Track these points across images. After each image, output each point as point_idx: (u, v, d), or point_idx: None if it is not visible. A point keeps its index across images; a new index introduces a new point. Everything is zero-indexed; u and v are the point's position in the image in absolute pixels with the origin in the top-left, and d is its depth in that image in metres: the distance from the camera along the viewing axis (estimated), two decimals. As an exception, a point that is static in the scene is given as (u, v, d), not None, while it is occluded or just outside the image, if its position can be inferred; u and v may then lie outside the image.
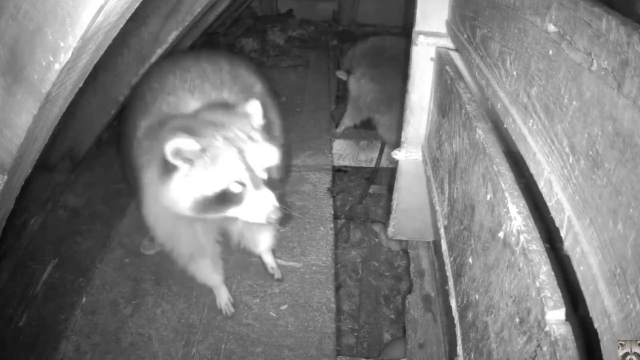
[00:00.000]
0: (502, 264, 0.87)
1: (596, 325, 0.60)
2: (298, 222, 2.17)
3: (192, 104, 1.45)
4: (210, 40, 4.37)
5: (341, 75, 3.03)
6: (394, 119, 2.71)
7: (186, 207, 1.28)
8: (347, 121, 3.07)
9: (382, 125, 2.90)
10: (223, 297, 1.80)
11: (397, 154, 1.85)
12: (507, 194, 0.88)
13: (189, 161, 1.23)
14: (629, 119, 0.55)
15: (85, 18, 0.75)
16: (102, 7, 0.74)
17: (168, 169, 1.26)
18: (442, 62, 1.51)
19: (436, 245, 2.08)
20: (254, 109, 1.37)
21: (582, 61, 0.66)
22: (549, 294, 0.69)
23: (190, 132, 1.24)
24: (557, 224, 0.73)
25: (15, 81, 0.83)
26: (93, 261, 2.02)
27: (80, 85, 0.95)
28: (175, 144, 1.21)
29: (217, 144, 1.25)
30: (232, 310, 1.79)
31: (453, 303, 1.19)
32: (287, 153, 1.61)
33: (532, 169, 0.83)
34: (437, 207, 1.47)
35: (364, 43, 3.01)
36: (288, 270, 1.95)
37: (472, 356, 1.00)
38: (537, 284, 0.71)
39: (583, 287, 0.65)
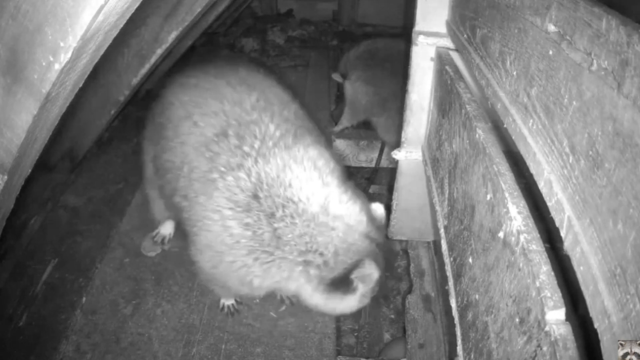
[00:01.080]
0: (502, 264, 0.87)
1: (596, 325, 0.60)
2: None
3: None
4: (210, 40, 4.38)
5: (337, 77, 3.05)
6: (390, 119, 2.72)
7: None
8: (345, 122, 3.09)
9: (380, 126, 2.92)
10: (230, 299, 1.79)
11: (397, 154, 1.85)
12: (507, 194, 0.88)
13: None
14: (629, 119, 0.55)
15: (86, 18, 0.75)
16: (102, 7, 0.74)
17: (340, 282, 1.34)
18: (442, 62, 1.51)
19: (436, 245, 2.08)
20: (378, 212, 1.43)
21: (582, 61, 0.66)
22: (549, 294, 0.69)
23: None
24: (557, 224, 0.73)
25: (15, 81, 0.83)
26: (93, 261, 2.01)
27: (80, 85, 0.95)
28: (365, 271, 1.31)
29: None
30: (237, 307, 1.79)
31: (453, 303, 1.19)
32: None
33: (532, 169, 0.83)
34: (437, 207, 1.47)
35: (357, 47, 3.05)
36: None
37: (472, 356, 1.00)
38: (537, 284, 0.71)
39: (583, 287, 0.65)
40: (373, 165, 3.16)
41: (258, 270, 1.36)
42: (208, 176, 1.37)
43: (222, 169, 1.35)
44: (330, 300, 1.38)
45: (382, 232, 1.45)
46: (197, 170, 1.41)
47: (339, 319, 2.18)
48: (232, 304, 1.78)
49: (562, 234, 0.71)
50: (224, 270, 1.40)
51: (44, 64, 0.80)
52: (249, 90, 1.55)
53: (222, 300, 1.79)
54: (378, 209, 1.45)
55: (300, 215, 1.31)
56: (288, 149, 1.39)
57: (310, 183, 1.34)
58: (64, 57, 0.78)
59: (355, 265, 1.31)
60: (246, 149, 1.37)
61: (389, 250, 1.51)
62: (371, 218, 1.41)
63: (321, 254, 1.31)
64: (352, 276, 1.32)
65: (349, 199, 1.37)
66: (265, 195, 1.32)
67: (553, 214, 0.74)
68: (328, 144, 1.59)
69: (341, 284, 1.33)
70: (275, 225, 1.31)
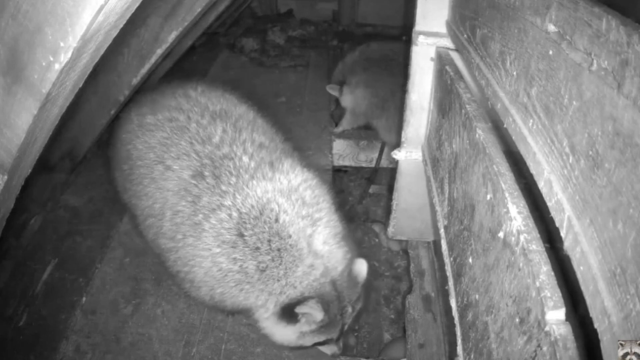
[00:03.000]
0: (502, 264, 0.87)
1: (596, 325, 0.60)
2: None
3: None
4: (210, 40, 4.37)
5: (333, 90, 3.02)
6: (390, 119, 2.72)
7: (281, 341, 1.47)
8: (346, 125, 3.10)
9: (381, 127, 2.92)
10: None
11: (397, 154, 1.85)
12: (507, 194, 0.88)
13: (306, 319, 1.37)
14: (629, 119, 0.55)
15: (86, 18, 0.75)
16: (102, 7, 0.74)
17: (286, 313, 1.36)
18: (442, 62, 1.51)
19: (436, 245, 2.08)
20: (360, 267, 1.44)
21: (582, 61, 0.66)
22: (549, 294, 0.69)
23: (320, 296, 1.33)
24: (557, 224, 0.73)
25: (15, 81, 0.83)
26: (93, 261, 2.01)
27: (80, 85, 0.95)
28: (309, 309, 1.31)
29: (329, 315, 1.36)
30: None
31: (453, 303, 1.19)
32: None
33: (532, 169, 0.83)
34: (437, 207, 1.47)
35: (352, 53, 3.07)
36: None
37: (472, 356, 1.00)
38: (537, 284, 0.71)
39: (583, 287, 0.65)
40: (373, 165, 3.16)
41: (242, 298, 1.40)
42: (193, 219, 1.40)
43: (205, 211, 1.38)
44: (275, 327, 1.42)
45: (357, 288, 1.45)
46: (181, 214, 1.43)
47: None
48: None
49: (562, 234, 0.71)
50: (219, 299, 1.44)
51: (44, 64, 0.80)
52: (214, 122, 1.54)
53: None
54: (362, 265, 1.46)
55: (286, 250, 1.34)
56: (269, 180, 1.41)
57: (298, 219, 1.37)
58: (64, 57, 0.78)
59: (303, 300, 1.33)
60: (223, 187, 1.39)
61: (360, 310, 1.55)
62: (350, 270, 1.43)
63: (294, 287, 1.35)
64: (297, 310, 1.34)
65: (336, 243, 1.41)
66: (250, 233, 1.35)
67: (553, 214, 0.74)
68: (308, 160, 1.60)
69: (288, 314, 1.37)
70: (260, 258, 1.34)
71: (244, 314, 1.62)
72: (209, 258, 1.37)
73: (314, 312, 1.33)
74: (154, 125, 1.59)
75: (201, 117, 1.56)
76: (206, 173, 1.42)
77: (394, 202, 1.96)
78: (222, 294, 1.41)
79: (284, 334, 1.43)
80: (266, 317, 1.40)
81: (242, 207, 1.36)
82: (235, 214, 1.36)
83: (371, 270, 2.69)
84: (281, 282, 1.35)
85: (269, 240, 1.34)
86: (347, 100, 2.97)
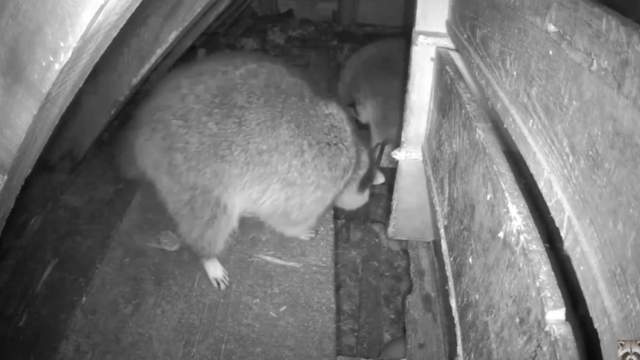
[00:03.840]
0: (502, 264, 0.87)
1: (596, 325, 0.60)
2: (298, 222, 2.16)
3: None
4: (210, 40, 4.38)
5: (354, 113, 2.96)
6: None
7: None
8: (376, 139, 3.01)
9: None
10: (218, 270, 1.87)
11: (397, 154, 1.85)
12: (507, 194, 0.88)
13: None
14: (629, 119, 0.55)
15: (85, 18, 0.75)
16: (102, 7, 0.74)
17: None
18: (442, 62, 1.51)
19: (436, 245, 2.08)
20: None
21: (582, 61, 0.66)
22: (549, 294, 0.69)
23: None
24: (557, 224, 0.73)
25: (15, 81, 0.83)
26: (93, 261, 2.02)
27: (80, 85, 0.95)
28: (375, 180, 2.08)
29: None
30: (228, 279, 1.88)
31: (453, 303, 1.19)
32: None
33: (532, 169, 0.83)
34: (437, 207, 1.47)
35: (350, 66, 3.03)
36: (288, 271, 1.95)
37: (472, 356, 1.00)
38: (537, 284, 0.71)
39: (583, 287, 0.65)
40: (373, 165, 3.15)
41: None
42: (305, 154, 1.68)
43: (310, 137, 1.69)
44: (359, 197, 2.02)
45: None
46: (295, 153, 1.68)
47: (339, 319, 2.18)
48: (223, 276, 1.88)
49: (562, 234, 0.71)
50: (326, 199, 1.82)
51: (44, 64, 0.80)
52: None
53: (212, 276, 1.86)
54: (380, 177, 2.07)
55: (350, 147, 1.78)
56: (333, 107, 1.76)
57: (352, 126, 1.82)
58: (64, 57, 0.78)
59: (373, 175, 2.01)
60: (323, 117, 1.74)
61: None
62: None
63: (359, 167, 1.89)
64: (371, 183, 2.02)
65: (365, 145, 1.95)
66: (344, 145, 1.76)
67: (553, 214, 0.74)
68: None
69: (361, 187, 1.97)
70: (352, 155, 1.78)
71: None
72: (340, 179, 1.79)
73: (380, 180, 2.05)
74: (207, 89, 1.63)
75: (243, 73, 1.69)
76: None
77: (394, 202, 1.96)
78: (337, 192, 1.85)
79: (360, 200, 2.05)
80: (354, 194, 1.98)
81: (336, 124, 1.75)
82: (326, 130, 1.74)
83: (371, 270, 2.70)
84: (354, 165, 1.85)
85: (349, 145, 1.78)
86: (367, 116, 2.92)
